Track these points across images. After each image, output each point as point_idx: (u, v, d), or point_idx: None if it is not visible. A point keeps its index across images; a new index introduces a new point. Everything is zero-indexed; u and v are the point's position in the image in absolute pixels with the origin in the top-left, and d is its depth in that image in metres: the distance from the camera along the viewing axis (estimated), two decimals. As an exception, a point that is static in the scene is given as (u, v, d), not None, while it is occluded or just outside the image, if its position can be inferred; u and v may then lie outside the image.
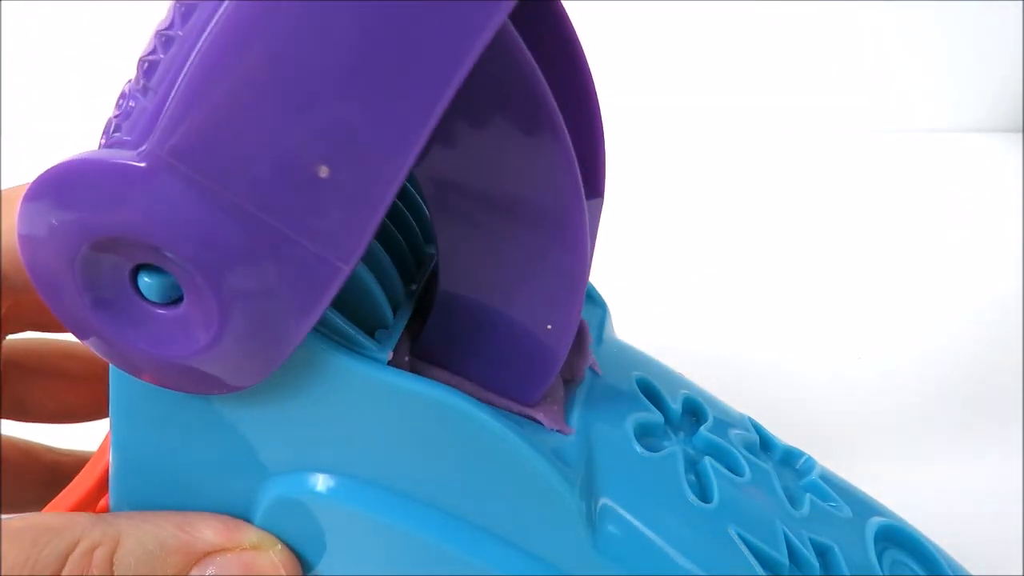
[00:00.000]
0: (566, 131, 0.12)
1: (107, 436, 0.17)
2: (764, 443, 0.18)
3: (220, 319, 0.12)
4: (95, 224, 0.11)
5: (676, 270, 0.38)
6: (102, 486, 0.16)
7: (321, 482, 0.14)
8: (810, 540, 0.16)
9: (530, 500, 0.14)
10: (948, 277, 0.37)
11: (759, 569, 0.15)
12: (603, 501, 0.14)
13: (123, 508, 0.16)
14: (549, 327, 0.14)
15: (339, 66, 0.10)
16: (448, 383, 0.14)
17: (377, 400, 0.13)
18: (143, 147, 0.11)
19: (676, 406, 0.17)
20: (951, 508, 0.24)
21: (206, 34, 0.10)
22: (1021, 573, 0.18)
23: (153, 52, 0.12)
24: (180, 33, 0.11)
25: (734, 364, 0.31)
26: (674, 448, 0.16)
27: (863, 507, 0.18)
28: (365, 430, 0.14)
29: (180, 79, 0.10)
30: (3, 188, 0.18)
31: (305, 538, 0.15)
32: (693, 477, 0.16)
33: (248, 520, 0.15)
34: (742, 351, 0.32)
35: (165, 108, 0.11)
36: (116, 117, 0.12)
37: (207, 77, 0.10)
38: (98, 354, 0.13)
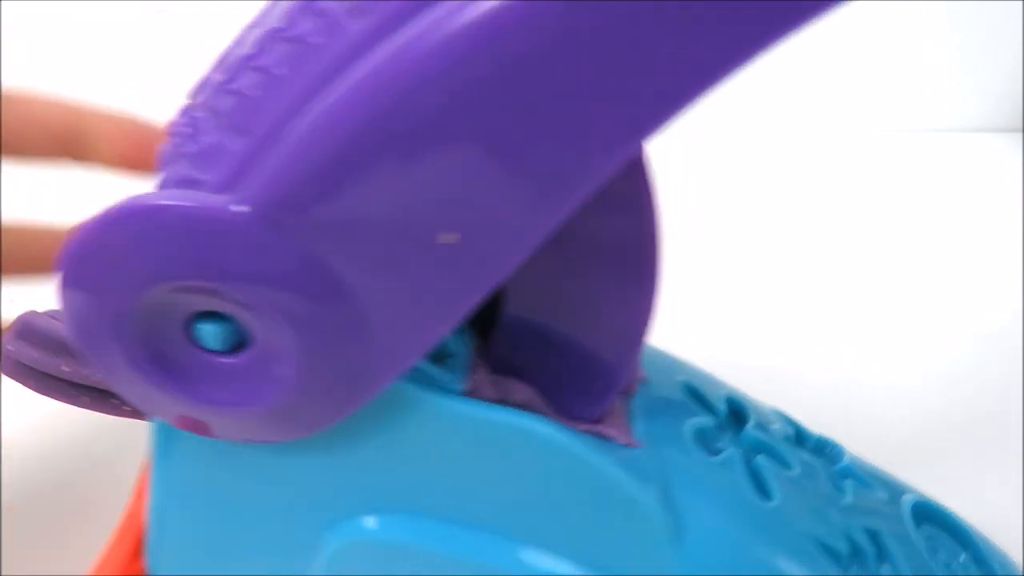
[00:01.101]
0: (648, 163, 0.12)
1: (132, 504, 0.16)
2: (798, 435, 0.18)
3: (299, 368, 0.11)
4: (169, 270, 0.10)
5: (676, 268, 0.37)
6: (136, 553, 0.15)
7: (394, 524, 0.14)
8: (860, 525, 0.16)
9: (617, 520, 0.13)
10: (948, 277, 0.37)
11: (827, 561, 0.15)
12: (682, 511, 0.14)
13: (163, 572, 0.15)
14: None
15: (500, 139, 0.09)
16: (531, 400, 0.14)
17: (456, 432, 0.13)
18: (239, 193, 0.10)
19: (721, 407, 0.17)
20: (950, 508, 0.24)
21: (346, 88, 0.09)
22: (1021, 574, 0.18)
23: (235, 82, 0.11)
24: (285, 72, 0.10)
25: (734, 366, 0.31)
26: (731, 450, 0.16)
27: (893, 487, 0.19)
28: (442, 465, 0.13)
29: (300, 128, 0.10)
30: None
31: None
32: (749, 476, 0.16)
33: (307, 570, 0.14)
34: (740, 352, 0.32)
35: (271, 155, 0.10)
36: (182, 151, 0.11)
37: (338, 135, 0.09)
38: (162, 418, 0.12)
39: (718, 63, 0.09)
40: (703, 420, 0.16)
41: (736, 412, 0.17)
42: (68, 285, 0.11)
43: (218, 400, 0.12)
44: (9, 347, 0.17)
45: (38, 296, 0.17)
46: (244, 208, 0.10)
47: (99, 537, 0.17)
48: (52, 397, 0.17)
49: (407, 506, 0.14)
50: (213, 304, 0.11)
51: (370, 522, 0.14)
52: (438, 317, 0.11)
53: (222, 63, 0.12)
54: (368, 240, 0.10)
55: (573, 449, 0.13)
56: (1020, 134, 0.50)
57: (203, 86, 0.12)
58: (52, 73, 0.50)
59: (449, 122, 0.09)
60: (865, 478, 0.18)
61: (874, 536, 0.16)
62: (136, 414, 0.17)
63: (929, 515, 0.18)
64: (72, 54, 0.50)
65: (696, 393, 0.17)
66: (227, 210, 0.10)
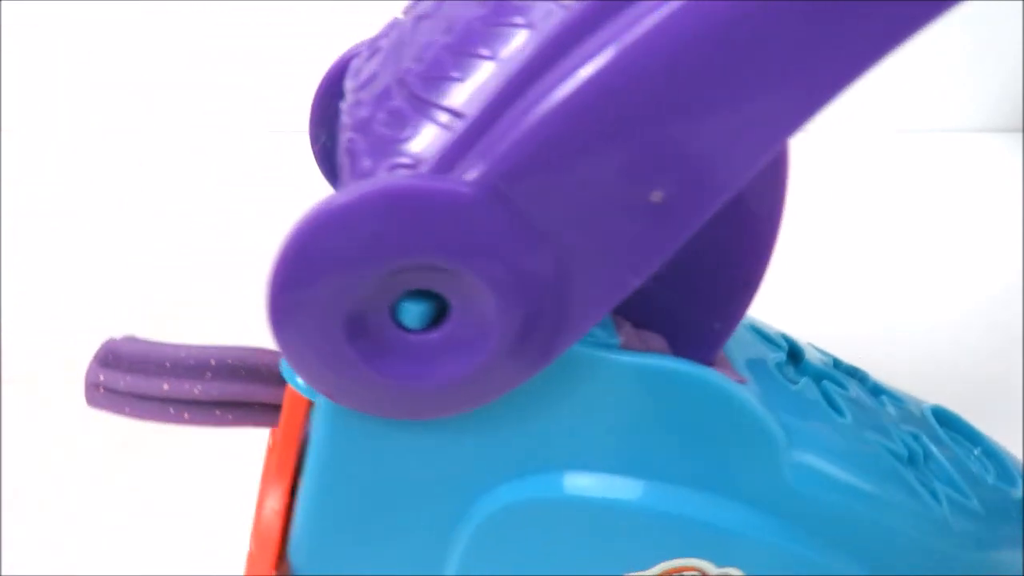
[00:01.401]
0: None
1: (262, 504, 0.16)
2: (835, 362, 0.21)
3: (500, 340, 0.12)
4: (401, 251, 0.11)
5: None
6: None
7: (554, 480, 0.14)
8: (907, 431, 0.19)
9: (754, 450, 0.15)
10: (947, 277, 0.37)
11: (898, 465, 0.17)
12: (791, 436, 0.16)
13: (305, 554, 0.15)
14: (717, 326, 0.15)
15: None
16: (664, 348, 0.15)
17: (618, 384, 0.14)
18: (462, 171, 0.11)
19: (784, 345, 0.19)
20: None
21: (578, 68, 0.10)
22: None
23: (433, 68, 0.11)
24: (489, 54, 0.11)
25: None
26: (805, 379, 0.18)
27: (912, 399, 0.21)
28: (599, 417, 0.14)
29: (529, 108, 0.10)
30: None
31: (529, 544, 0.15)
32: (824, 400, 0.18)
33: (451, 540, 0.15)
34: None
35: (494, 134, 0.10)
36: (376, 137, 0.11)
37: (573, 114, 0.10)
38: (332, 399, 0.13)
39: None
40: (778, 356, 0.18)
41: (792, 348, 0.19)
42: (286, 278, 0.11)
43: (411, 376, 0.12)
44: (100, 377, 0.16)
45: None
46: (475, 184, 0.11)
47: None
48: (149, 419, 0.16)
49: (560, 463, 0.15)
50: (424, 281, 0.12)
51: (523, 485, 0.15)
52: (631, 272, 0.12)
53: (397, 54, 0.12)
54: (581, 204, 0.11)
55: (725, 387, 0.14)
56: (1020, 134, 0.50)
57: (371, 79, 0.12)
58: (52, 73, 0.49)
59: (680, 96, 0.10)
60: (894, 393, 0.21)
61: (916, 439, 0.19)
62: (240, 422, 0.17)
63: (944, 419, 0.21)
64: (72, 53, 0.49)
65: (762, 334, 0.19)
66: (461, 185, 0.11)
